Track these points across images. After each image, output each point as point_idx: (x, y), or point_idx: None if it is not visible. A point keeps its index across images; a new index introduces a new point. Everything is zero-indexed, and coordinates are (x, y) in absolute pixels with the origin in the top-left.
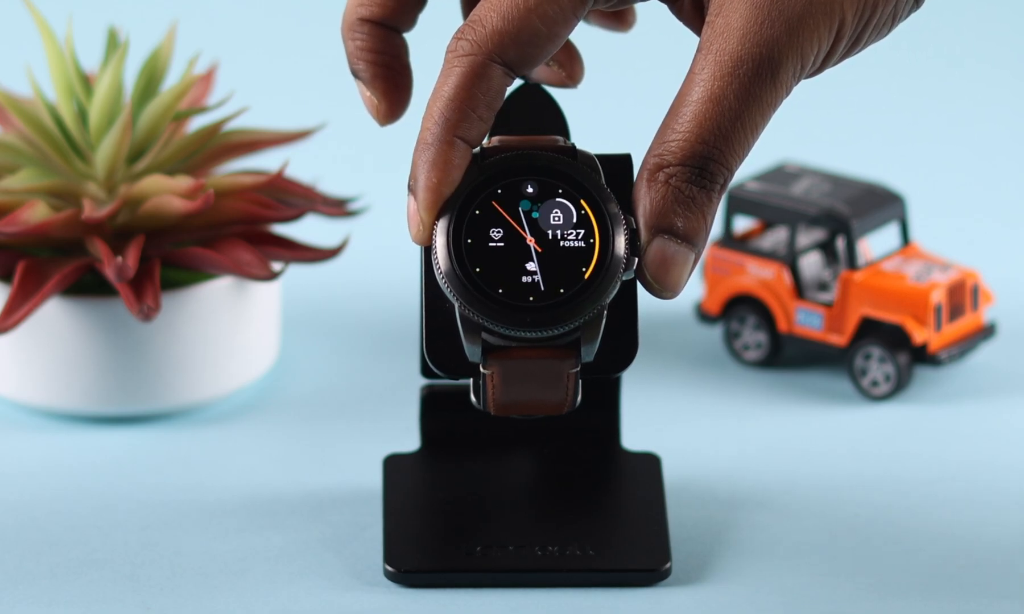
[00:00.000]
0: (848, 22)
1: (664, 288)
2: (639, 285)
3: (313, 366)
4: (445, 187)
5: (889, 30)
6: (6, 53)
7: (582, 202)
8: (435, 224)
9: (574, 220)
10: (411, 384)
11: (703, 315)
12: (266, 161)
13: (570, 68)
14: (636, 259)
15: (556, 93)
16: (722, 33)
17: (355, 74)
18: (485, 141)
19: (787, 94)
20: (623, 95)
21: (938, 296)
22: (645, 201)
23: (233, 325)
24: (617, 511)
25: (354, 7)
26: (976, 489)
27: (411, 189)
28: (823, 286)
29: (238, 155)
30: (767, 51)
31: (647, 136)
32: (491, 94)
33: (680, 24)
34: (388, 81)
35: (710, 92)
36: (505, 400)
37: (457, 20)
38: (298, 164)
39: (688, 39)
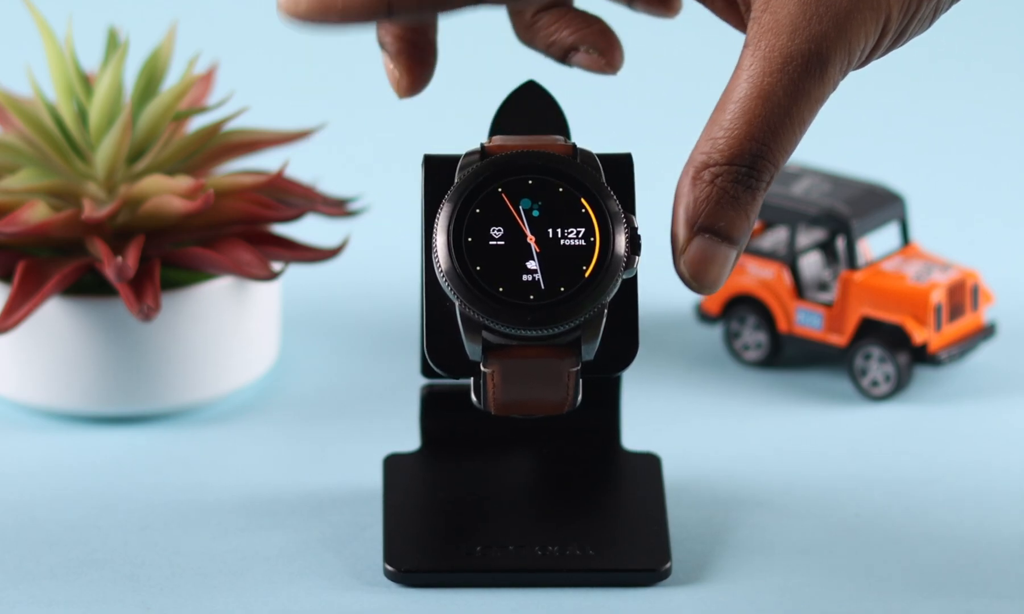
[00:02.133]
0: (894, 17)
1: (703, 286)
2: (677, 278)
3: (313, 366)
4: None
5: (931, 23)
6: (6, 53)
7: (582, 201)
8: None
9: (574, 219)
10: (411, 384)
11: (703, 315)
12: (266, 161)
13: (610, 55)
14: (636, 257)
15: (556, 93)
16: (770, 29)
17: (381, 45)
18: (486, 140)
19: (834, 89)
20: (623, 95)
21: (938, 296)
22: (688, 199)
23: (233, 325)
24: (617, 511)
25: None
26: (976, 489)
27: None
28: (823, 286)
29: (238, 155)
30: (816, 46)
31: (647, 136)
32: None
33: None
34: (412, 57)
35: (760, 88)
36: (505, 399)
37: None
38: (298, 164)
39: (689, 39)
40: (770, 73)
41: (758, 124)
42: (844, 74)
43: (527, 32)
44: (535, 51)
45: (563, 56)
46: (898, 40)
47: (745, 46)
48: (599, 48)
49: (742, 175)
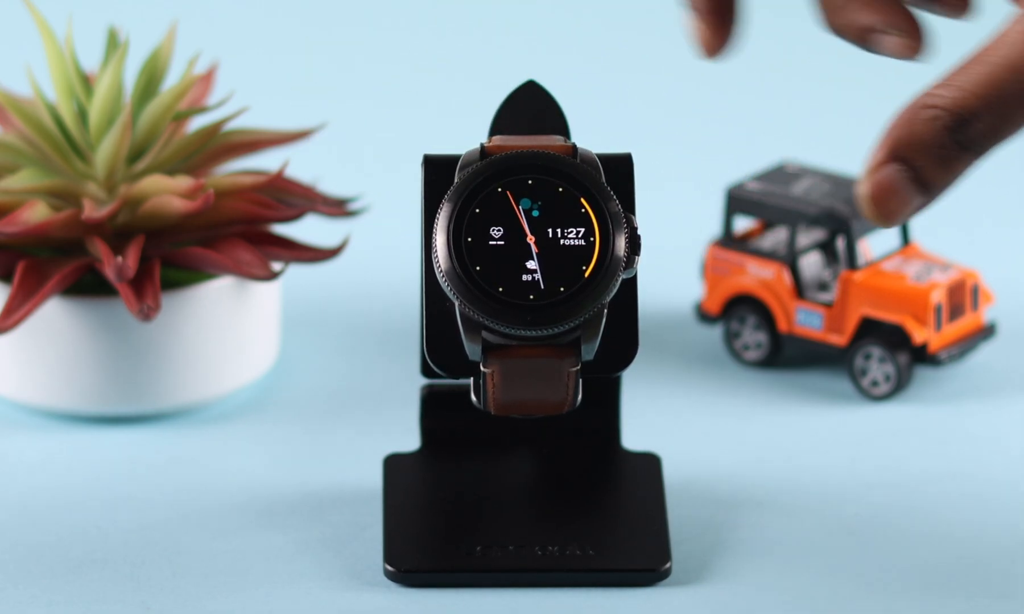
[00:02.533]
0: None
1: (879, 213)
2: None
3: (313, 366)
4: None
5: None
6: (6, 53)
7: (582, 200)
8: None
9: (574, 219)
10: (411, 384)
11: (703, 315)
12: (266, 161)
13: (916, 39)
14: (636, 257)
15: (556, 92)
16: None
17: (686, 3)
18: (485, 140)
19: None
20: (623, 95)
21: (938, 296)
22: (899, 125)
23: (233, 325)
24: (617, 511)
25: None
26: (976, 489)
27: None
28: (823, 286)
29: (238, 155)
30: None
31: (647, 136)
32: None
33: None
34: (721, 14)
35: (1014, 62)
36: (505, 399)
37: None
38: (298, 164)
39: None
40: None
41: (996, 93)
42: None
43: (836, 14)
44: (838, 37)
45: (864, 38)
46: None
47: (1016, 18)
48: (907, 32)
49: (961, 130)
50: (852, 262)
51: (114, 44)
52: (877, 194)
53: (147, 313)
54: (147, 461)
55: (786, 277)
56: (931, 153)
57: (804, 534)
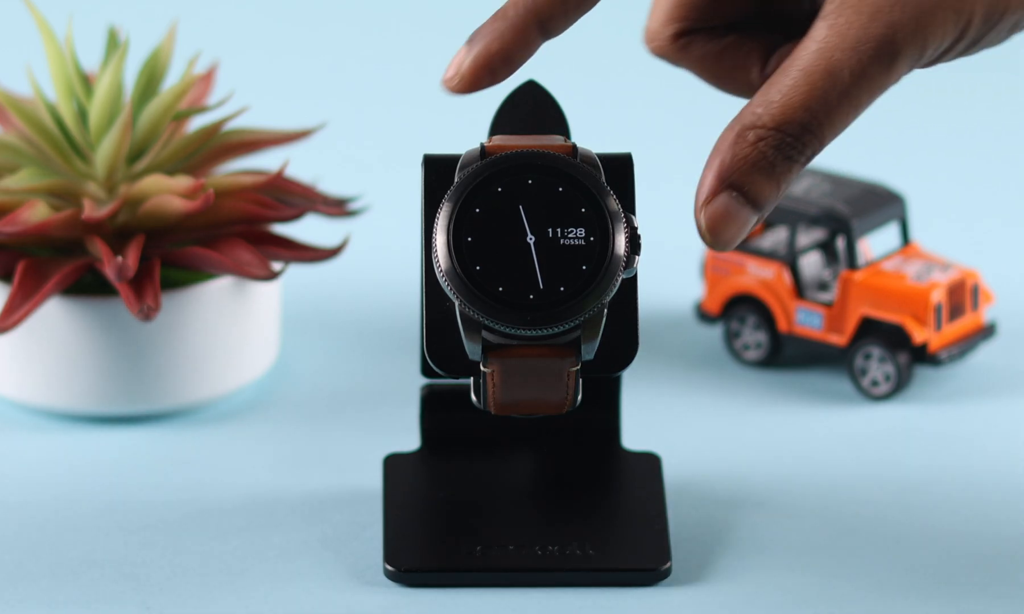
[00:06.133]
0: (975, 22)
1: (716, 241)
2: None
3: (313, 366)
4: (499, 61)
5: (1007, 37)
6: (6, 53)
7: (582, 200)
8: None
9: (574, 219)
10: (411, 384)
11: (703, 315)
12: (266, 161)
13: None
14: (636, 256)
15: (556, 93)
16: (852, 5)
17: (470, 41)
18: (485, 140)
19: (896, 81)
20: (623, 95)
21: (938, 296)
22: (726, 154)
23: (233, 325)
24: (617, 511)
25: None
26: (976, 489)
27: (469, 41)
28: (823, 286)
29: (238, 155)
30: (891, 34)
31: (647, 136)
32: None
33: None
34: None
35: (828, 62)
36: (505, 399)
37: None
38: (298, 164)
39: None
40: (841, 49)
41: (817, 97)
42: (910, 69)
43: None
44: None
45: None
46: (972, 46)
47: (820, 16)
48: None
49: (786, 144)
50: (852, 262)
51: (114, 44)
52: (714, 225)
53: (147, 313)
54: (147, 461)
55: (786, 277)
56: (760, 173)
57: (804, 534)
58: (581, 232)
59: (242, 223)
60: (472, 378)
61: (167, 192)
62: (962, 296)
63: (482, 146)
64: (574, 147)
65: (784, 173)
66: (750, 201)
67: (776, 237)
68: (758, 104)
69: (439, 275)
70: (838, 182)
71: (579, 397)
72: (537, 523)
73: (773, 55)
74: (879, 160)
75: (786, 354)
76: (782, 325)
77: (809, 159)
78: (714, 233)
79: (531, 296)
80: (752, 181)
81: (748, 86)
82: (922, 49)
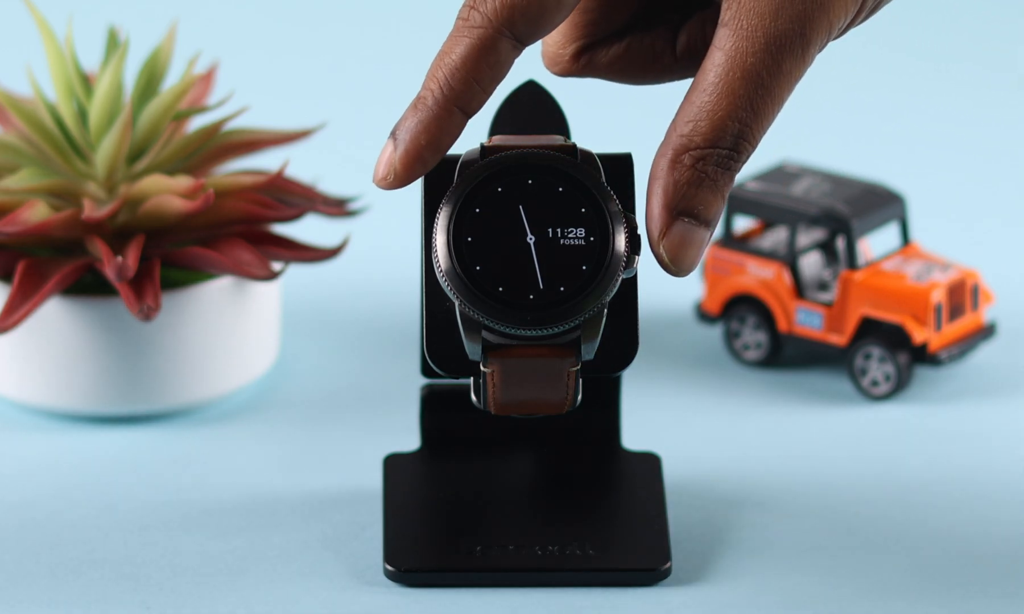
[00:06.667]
0: None
1: (681, 269)
2: (654, 262)
3: (313, 366)
4: (429, 152)
5: None
6: (6, 53)
7: (582, 200)
8: (408, 178)
9: (574, 218)
10: (411, 384)
11: (703, 315)
12: (266, 161)
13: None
14: (636, 256)
15: (556, 93)
16: (751, 9)
17: (394, 135)
18: (485, 140)
19: (810, 65)
20: (623, 95)
21: (938, 296)
22: (667, 181)
23: (233, 325)
24: (617, 511)
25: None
26: (976, 489)
27: (394, 135)
28: (823, 286)
29: (238, 155)
30: (799, 26)
31: (647, 136)
32: (497, 67)
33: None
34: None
35: (743, 68)
36: (505, 399)
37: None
38: (298, 164)
39: None
40: (753, 53)
41: (742, 104)
42: (822, 49)
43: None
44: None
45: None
46: (875, 9)
47: (721, 25)
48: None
49: (723, 158)
50: (852, 262)
51: (114, 44)
52: (675, 254)
53: (147, 313)
54: (147, 461)
55: (786, 277)
56: (707, 192)
57: (804, 534)
58: (581, 232)
59: (242, 223)
60: (472, 378)
61: (167, 192)
62: (962, 296)
63: (482, 146)
64: (574, 147)
65: (727, 184)
66: (703, 221)
67: (776, 237)
68: (684, 124)
69: (439, 275)
70: (838, 182)
71: (579, 397)
72: (537, 523)
73: (681, 33)
74: (879, 160)
75: (786, 354)
76: (782, 325)
77: (746, 162)
78: (677, 262)
79: (531, 296)
80: (700, 202)
81: (664, 72)
82: (829, 31)
